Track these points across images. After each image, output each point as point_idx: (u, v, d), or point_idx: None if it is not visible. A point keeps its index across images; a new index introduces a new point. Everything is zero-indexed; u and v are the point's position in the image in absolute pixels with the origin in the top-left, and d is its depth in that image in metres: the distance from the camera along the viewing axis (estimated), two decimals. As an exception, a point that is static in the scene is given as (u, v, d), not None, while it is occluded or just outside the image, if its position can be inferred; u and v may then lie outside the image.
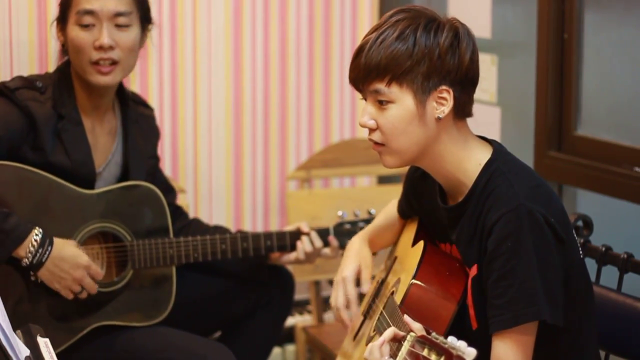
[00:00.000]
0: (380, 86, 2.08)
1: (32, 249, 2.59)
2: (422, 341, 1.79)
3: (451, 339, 1.73)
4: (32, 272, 2.65)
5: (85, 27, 2.71)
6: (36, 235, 2.59)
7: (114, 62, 2.72)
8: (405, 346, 1.84)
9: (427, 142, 2.10)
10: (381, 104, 2.09)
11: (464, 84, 2.10)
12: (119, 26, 2.73)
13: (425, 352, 1.77)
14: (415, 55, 2.06)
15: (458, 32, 2.09)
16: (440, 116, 2.09)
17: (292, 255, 2.97)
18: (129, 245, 2.79)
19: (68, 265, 2.63)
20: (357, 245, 2.56)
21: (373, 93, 2.10)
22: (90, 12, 2.70)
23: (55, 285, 2.65)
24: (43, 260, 2.60)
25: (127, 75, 2.80)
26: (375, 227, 2.58)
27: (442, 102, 2.09)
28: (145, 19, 2.81)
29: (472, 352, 1.71)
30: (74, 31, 2.72)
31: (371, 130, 2.12)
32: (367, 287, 2.50)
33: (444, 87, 2.08)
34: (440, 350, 1.74)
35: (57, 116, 2.73)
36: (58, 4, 2.80)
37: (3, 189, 2.66)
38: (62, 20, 2.77)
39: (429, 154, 2.12)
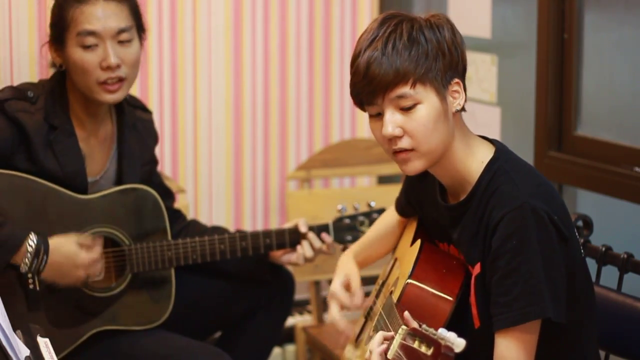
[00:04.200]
0: (405, 90, 2.06)
1: (27, 258, 2.57)
2: (413, 334, 1.81)
3: (441, 330, 1.75)
4: (30, 280, 2.65)
5: (88, 47, 2.68)
6: (30, 244, 2.57)
7: (120, 79, 2.71)
8: (397, 339, 1.85)
9: (449, 139, 2.12)
10: (406, 109, 2.08)
11: (464, 75, 2.14)
12: (121, 42, 2.70)
13: (416, 344, 1.78)
14: (431, 52, 2.07)
15: (451, 25, 2.13)
16: (458, 109, 2.12)
17: (292, 258, 2.96)
18: (127, 250, 2.79)
19: (67, 267, 2.63)
20: (344, 260, 2.57)
21: (394, 101, 2.08)
22: (92, 33, 2.68)
23: (61, 284, 2.65)
24: (40, 268, 2.59)
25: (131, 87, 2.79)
26: (367, 240, 2.59)
27: (456, 96, 2.12)
28: (141, 29, 2.79)
29: (461, 342, 1.72)
30: (77, 53, 2.69)
31: (397, 139, 2.10)
32: (360, 296, 2.50)
33: (456, 79, 2.11)
34: (429, 341, 1.76)
35: (48, 127, 2.70)
36: (50, 25, 2.75)
37: None
38: (59, 42, 2.73)
39: (446, 152, 2.13)
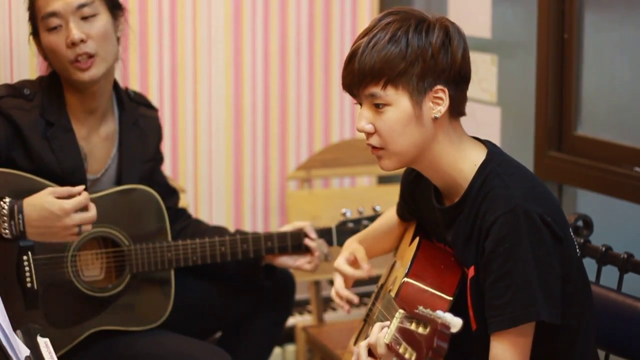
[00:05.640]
0: (376, 90, 2.08)
1: (5, 224, 2.52)
2: (410, 316, 1.81)
3: (438, 312, 1.75)
4: (28, 279, 2.63)
5: (54, 29, 2.69)
6: (3, 207, 2.52)
7: (90, 56, 2.69)
8: (394, 323, 1.85)
9: (424, 143, 2.11)
10: (377, 107, 2.09)
11: (458, 82, 2.11)
12: (85, 18, 2.69)
13: (412, 326, 1.78)
14: (409, 56, 2.06)
15: (448, 30, 2.10)
16: (437, 116, 2.09)
17: (298, 262, 2.96)
18: (126, 250, 2.78)
19: (49, 220, 2.54)
20: (348, 242, 2.60)
21: (369, 97, 2.10)
22: (53, 14, 2.68)
23: (55, 240, 2.58)
24: (21, 229, 2.53)
25: (111, 65, 2.75)
26: (370, 231, 2.60)
27: (438, 102, 2.09)
28: (113, 6, 2.77)
29: (457, 321, 1.72)
30: (46, 37, 2.70)
31: (369, 135, 2.12)
32: (365, 268, 2.52)
33: (439, 86, 2.08)
34: (426, 321, 1.76)
35: (45, 123, 2.71)
36: (28, 20, 2.77)
37: None
38: (35, 34, 2.75)
39: (426, 155, 2.12)
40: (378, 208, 3.04)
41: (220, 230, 2.99)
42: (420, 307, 1.80)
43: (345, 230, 2.99)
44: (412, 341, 1.78)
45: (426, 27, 2.08)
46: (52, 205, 2.54)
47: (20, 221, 2.53)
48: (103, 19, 2.72)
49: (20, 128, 2.68)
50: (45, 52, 2.74)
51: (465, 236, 2.13)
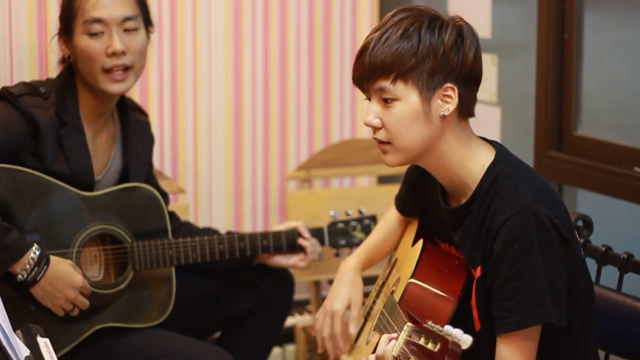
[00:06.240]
0: (386, 84, 2.08)
1: (27, 266, 2.59)
2: (419, 330, 1.80)
3: (447, 327, 1.73)
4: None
5: (95, 35, 2.71)
6: (34, 253, 2.59)
7: (126, 68, 2.73)
8: (402, 336, 1.84)
9: (431, 140, 2.11)
10: (386, 102, 2.09)
11: (468, 81, 2.11)
12: (127, 30, 2.73)
13: (422, 341, 1.77)
14: (420, 52, 2.06)
15: (462, 30, 2.11)
16: (445, 114, 2.09)
17: (291, 261, 2.98)
18: (129, 247, 2.79)
19: (62, 284, 2.64)
20: (350, 274, 2.50)
21: (378, 91, 2.10)
22: (98, 20, 2.70)
23: (47, 304, 2.66)
24: (38, 278, 2.61)
25: (137, 79, 2.80)
26: (372, 244, 2.55)
27: (447, 100, 2.09)
28: (147, 22, 2.81)
29: (467, 339, 1.71)
30: (83, 41, 2.72)
31: (376, 129, 2.12)
32: (354, 329, 2.45)
33: (449, 84, 2.08)
34: (436, 338, 1.75)
35: (59, 122, 2.73)
36: (59, 17, 2.79)
37: (3, 192, 2.65)
38: (66, 32, 2.76)
39: (433, 152, 2.12)
40: (364, 210, 3.10)
41: (211, 232, 3.00)
42: (430, 322, 1.79)
43: (336, 231, 3.03)
44: (421, 356, 1.77)
45: (439, 24, 2.09)
46: (71, 275, 2.66)
47: (43, 271, 2.61)
48: (142, 35, 2.77)
49: (39, 127, 2.70)
50: (74, 53, 2.75)
51: (473, 237, 2.13)
